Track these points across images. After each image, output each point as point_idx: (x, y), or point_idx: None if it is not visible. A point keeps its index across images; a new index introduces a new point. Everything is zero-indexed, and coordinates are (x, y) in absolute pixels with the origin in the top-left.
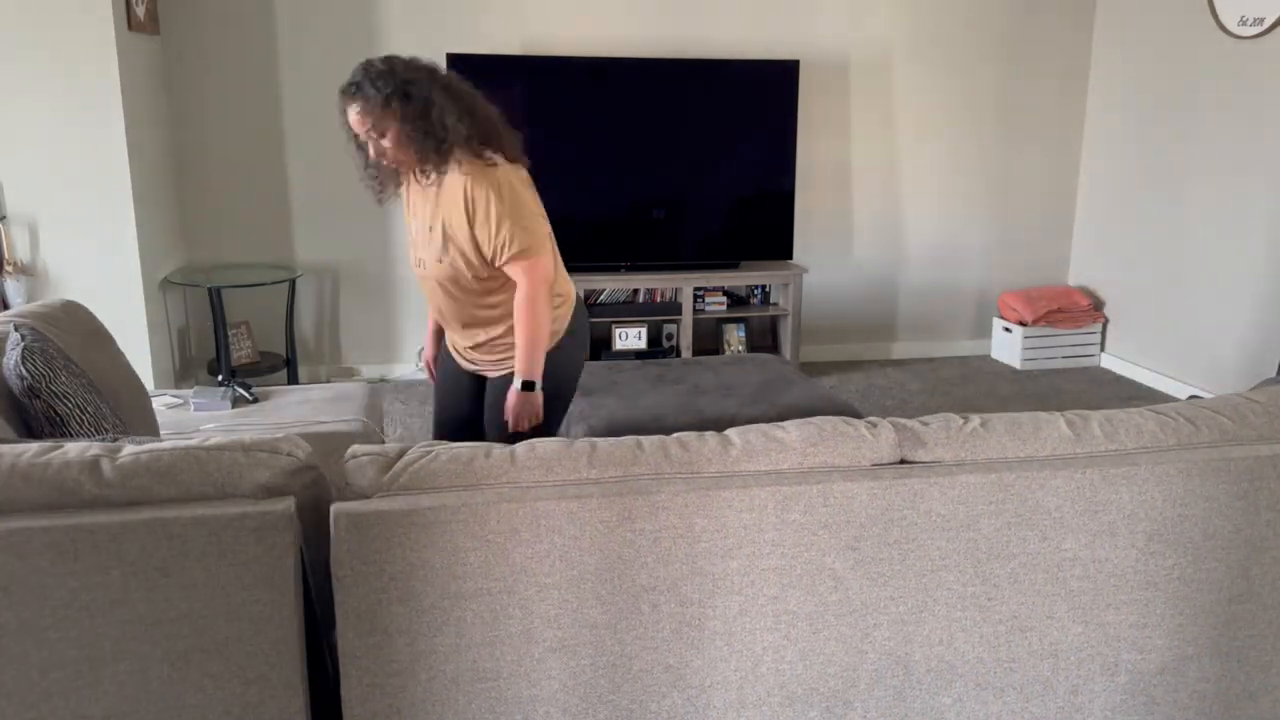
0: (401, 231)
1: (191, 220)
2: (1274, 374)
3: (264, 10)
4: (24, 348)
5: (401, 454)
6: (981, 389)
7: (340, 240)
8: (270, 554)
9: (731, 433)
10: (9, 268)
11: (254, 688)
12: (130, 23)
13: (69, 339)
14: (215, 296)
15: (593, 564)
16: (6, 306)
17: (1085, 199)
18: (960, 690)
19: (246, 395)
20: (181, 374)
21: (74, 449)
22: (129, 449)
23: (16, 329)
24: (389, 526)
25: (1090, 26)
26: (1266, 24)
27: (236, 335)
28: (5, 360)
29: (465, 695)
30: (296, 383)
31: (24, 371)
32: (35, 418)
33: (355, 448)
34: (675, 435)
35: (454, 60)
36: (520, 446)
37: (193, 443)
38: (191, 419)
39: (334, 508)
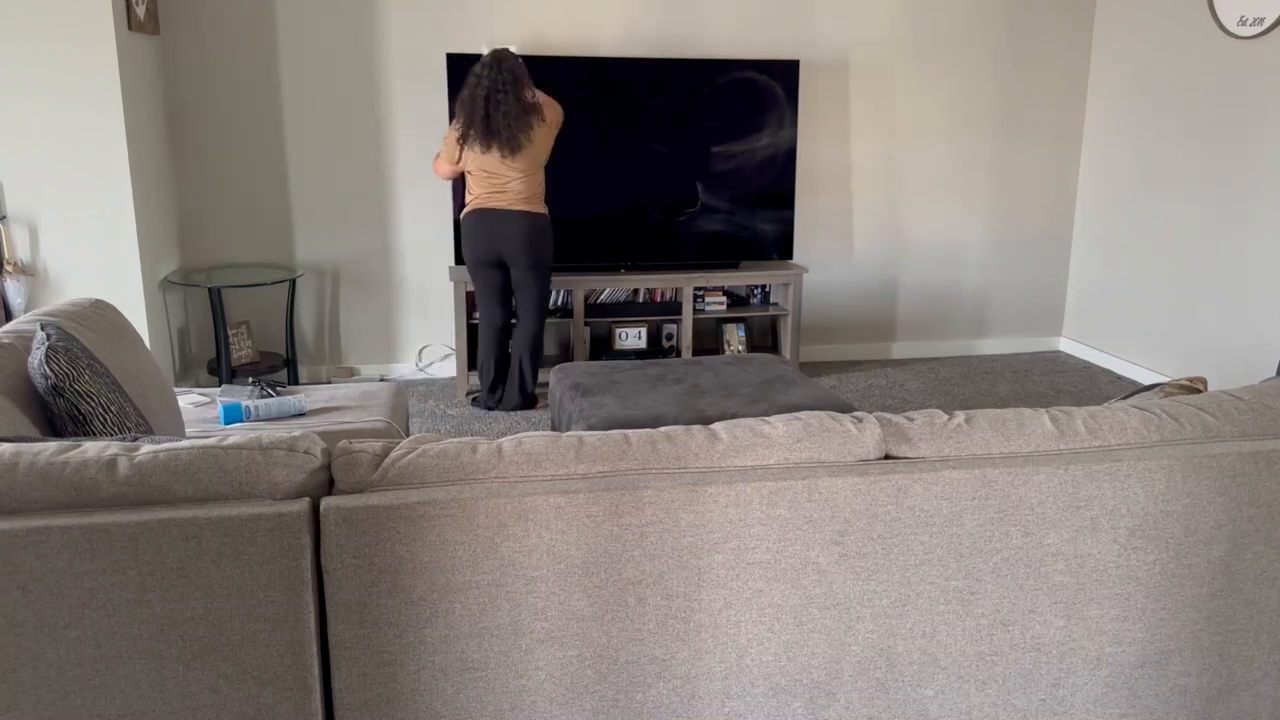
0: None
1: (191, 220)
2: (1274, 373)
3: (264, 10)
4: (49, 347)
5: (390, 449)
6: (981, 388)
7: (340, 240)
8: (286, 554)
9: (718, 427)
10: (9, 268)
11: (269, 688)
12: (130, 23)
13: (96, 338)
14: (215, 296)
15: (580, 558)
16: (7, 306)
17: (1085, 199)
18: (943, 682)
19: (272, 394)
20: (182, 374)
21: (92, 448)
22: (147, 448)
23: (43, 328)
24: (378, 521)
25: (1090, 26)
26: (1266, 24)
27: (236, 335)
28: (30, 359)
29: (454, 685)
30: (297, 383)
31: (48, 370)
32: (59, 416)
33: (344, 443)
34: (662, 429)
35: (454, 60)
36: (507, 441)
37: (210, 442)
38: (218, 418)
39: (324, 502)
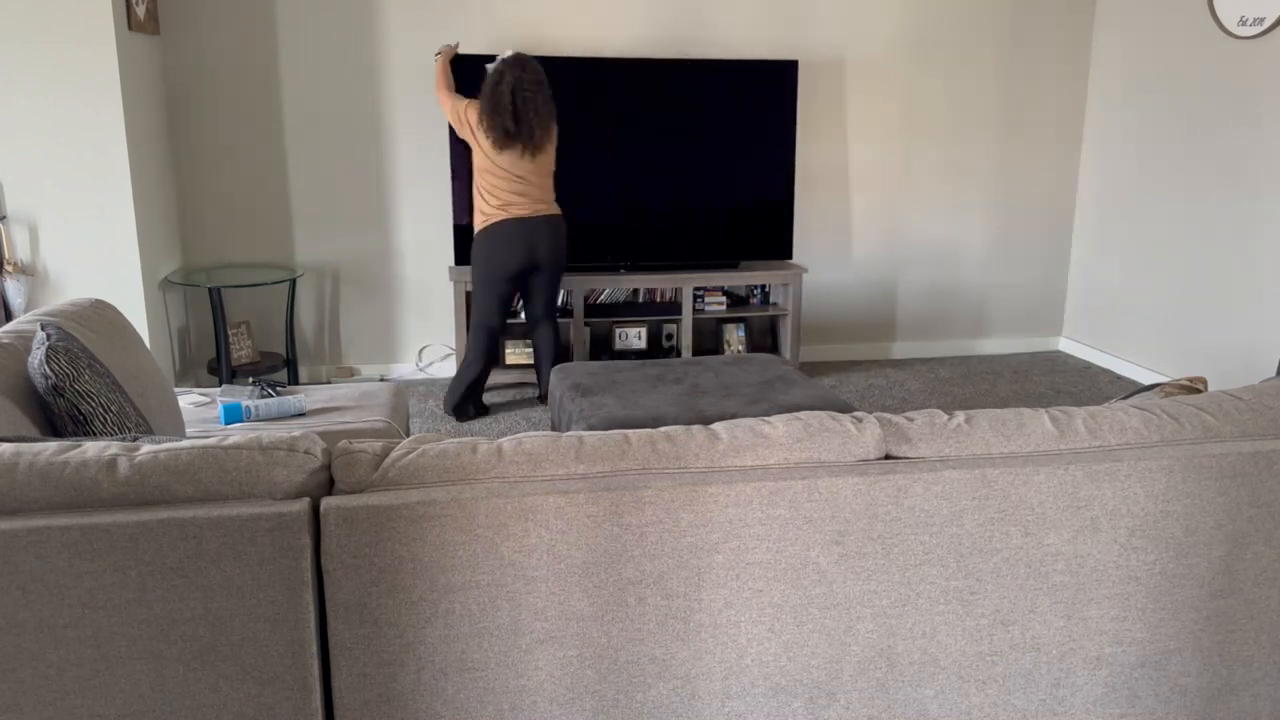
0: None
1: (191, 220)
2: (1274, 373)
3: (264, 10)
4: (49, 347)
5: (390, 449)
6: (981, 388)
7: (340, 240)
8: (286, 554)
9: (718, 427)
10: (9, 268)
11: (269, 688)
12: (130, 23)
13: (96, 338)
14: (215, 296)
15: (580, 558)
16: (7, 306)
17: (1085, 199)
18: (943, 683)
19: (273, 394)
20: (182, 374)
21: (92, 448)
22: (147, 448)
23: (43, 328)
24: (378, 521)
25: (1090, 26)
26: (1266, 24)
27: (236, 335)
28: (30, 359)
29: (454, 685)
30: (297, 383)
31: (48, 370)
32: (59, 417)
33: (344, 443)
34: (663, 429)
35: (454, 60)
36: (507, 441)
37: (210, 442)
38: (218, 418)
39: (324, 502)
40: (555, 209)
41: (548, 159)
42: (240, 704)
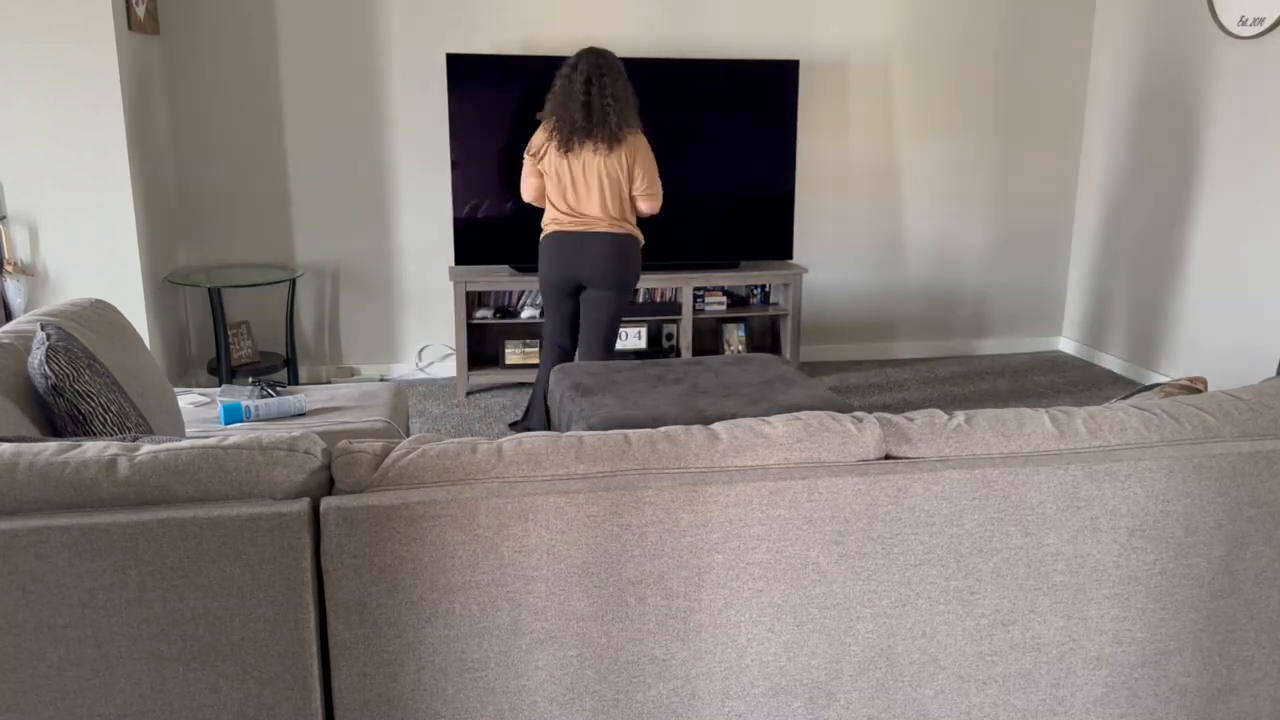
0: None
1: (191, 220)
2: (1274, 373)
3: (264, 10)
4: (49, 347)
5: (390, 449)
6: (981, 388)
7: (340, 240)
8: (286, 554)
9: (718, 427)
10: (9, 268)
11: (268, 688)
12: (130, 23)
13: (96, 338)
14: (215, 296)
15: (580, 558)
16: (7, 306)
17: (1085, 199)
18: (943, 683)
19: (273, 394)
20: (182, 374)
21: (92, 448)
22: (147, 448)
23: (43, 328)
24: (378, 521)
25: (1089, 26)
26: (1266, 24)
27: (236, 335)
28: (30, 359)
29: (454, 685)
30: (297, 383)
31: (48, 370)
32: (59, 416)
33: (344, 443)
34: (663, 429)
35: (454, 60)
36: (507, 441)
37: (210, 442)
38: (218, 418)
39: (324, 502)
40: (618, 226)
41: (622, 165)
42: (240, 704)
